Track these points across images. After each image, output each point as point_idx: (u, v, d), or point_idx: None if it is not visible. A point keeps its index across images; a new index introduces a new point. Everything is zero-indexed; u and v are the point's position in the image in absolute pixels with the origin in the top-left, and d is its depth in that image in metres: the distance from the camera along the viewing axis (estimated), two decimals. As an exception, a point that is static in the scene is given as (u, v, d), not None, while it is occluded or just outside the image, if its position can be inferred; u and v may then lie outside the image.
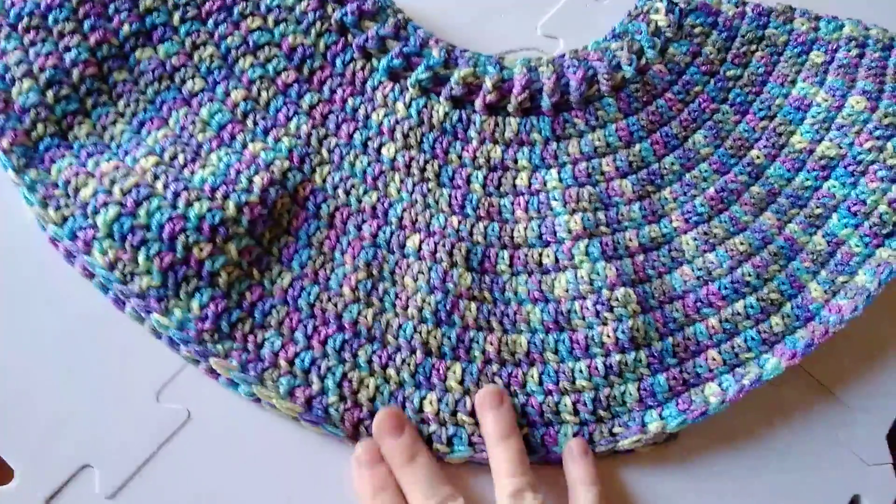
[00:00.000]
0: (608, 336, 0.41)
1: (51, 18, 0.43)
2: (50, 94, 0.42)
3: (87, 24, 0.43)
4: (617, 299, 0.41)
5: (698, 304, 0.42)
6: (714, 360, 0.41)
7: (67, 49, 0.43)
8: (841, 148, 0.44)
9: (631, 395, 0.40)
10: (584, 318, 0.41)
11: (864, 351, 0.45)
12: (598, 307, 0.41)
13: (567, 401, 0.40)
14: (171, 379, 0.41)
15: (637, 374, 0.41)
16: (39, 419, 0.40)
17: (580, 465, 0.39)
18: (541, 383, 0.40)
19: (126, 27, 0.44)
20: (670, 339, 0.41)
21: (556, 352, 0.41)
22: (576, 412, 0.40)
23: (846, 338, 0.44)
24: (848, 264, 0.42)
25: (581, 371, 0.40)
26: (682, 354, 0.41)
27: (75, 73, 0.43)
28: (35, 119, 0.41)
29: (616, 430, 0.40)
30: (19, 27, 0.43)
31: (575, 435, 0.40)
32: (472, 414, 0.40)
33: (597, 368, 0.40)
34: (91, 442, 0.40)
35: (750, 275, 0.42)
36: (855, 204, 0.43)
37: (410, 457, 0.38)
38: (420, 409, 0.40)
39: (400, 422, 0.39)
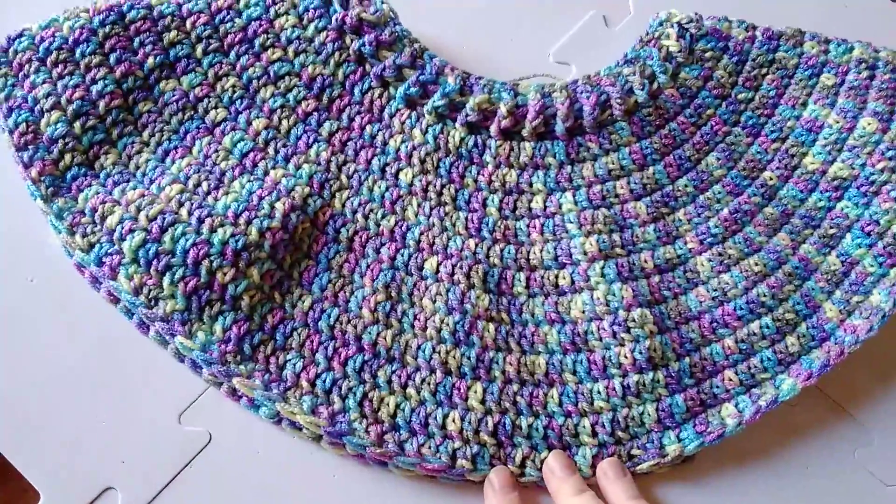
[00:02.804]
0: (625, 357, 0.41)
1: (78, 52, 0.45)
2: (77, 125, 0.43)
3: (113, 58, 0.45)
4: (633, 320, 0.41)
5: (714, 324, 0.42)
6: (730, 380, 0.41)
7: (94, 81, 0.44)
8: (853, 169, 0.45)
9: (649, 415, 0.40)
10: (600, 339, 0.42)
11: (881, 370, 0.45)
12: (615, 328, 0.41)
13: (586, 423, 0.40)
14: (194, 402, 0.42)
15: (655, 394, 0.41)
16: (64, 442, 0.41)
17: (621, 484, 0.39)
18: (561, 405, 0.41)
19: (151, 60, 0.46)
20: (687, 360, 0.42)
21: (574, 373, 0.41)
22: (594, 434, 0.40)
23: (862, 357, 0.44)
24: (862, 284, 0.42)
25: (599, 392, 0.41)
26: (699, 375, 0.41)
27: (102, 104, 0.44)
28: (63, 149, 0.43)
29: (634, 452, 0.40)
30: (48, 61, 0.44)
31: (594, 457, 0.40)
32: (494, 434, 0.40)
33: (614, 389, 0.41)
34: (114, 464, 0.40)
35: (765, 295, 0.42)
36: (868, 224, 0.43)
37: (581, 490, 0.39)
38: (443, 427, 0.40)
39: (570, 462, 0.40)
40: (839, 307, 0.42)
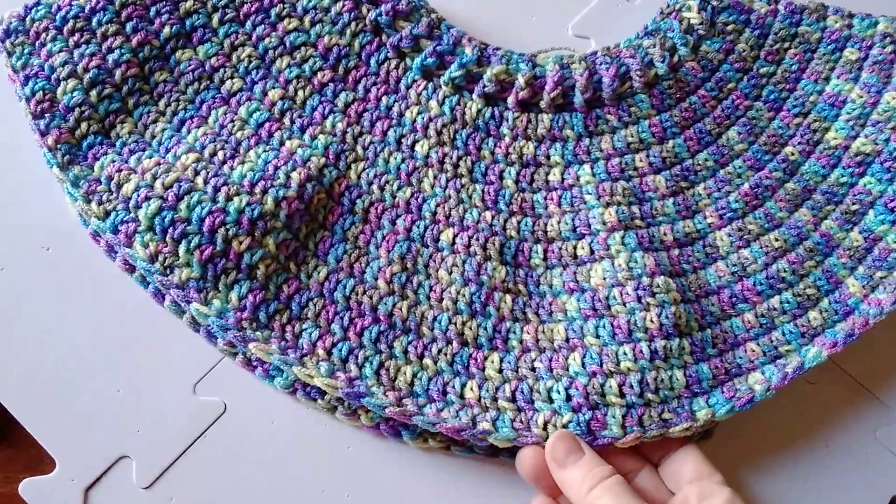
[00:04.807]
0: (652, 321, 0.40)
1: (95, 21, 0.44)
2: (93, 93, 0.43)
3: (129, 27, 0.45)
4: (658, 286, 0.40)
5: (733, 299, 0.42)
6: (753, 351, 0.41)
7: (110, 50, 0.44)
8: (877, 144, 0.44)
9: (678, 380, 0.39)
10: (624, 305, 0.40)
11: (904, 351, 0.45)
12: (640, 292, 0.40)
13: (612, 383, 0.39)
14: (209, 372, 0.42)
15: (682, 360, 0.40)
16: (80, 412, 0.41)
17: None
18: (584, 366, 0.39)
19: (167, 29, 0.45)
20: (709, 331, 0.41)
21: (597, 336, 0.40)
22: (622, 394, 0.39)
23: (884, 336, 0.44)
24: (886, 260, 0.41)
25: (625, 353, 0.39)
26: (721, 346, 0.41)
27: (118, 73, 0.44)
28: (79, 118, 0.43)
29: (666, 415, 0.39)
30: (65, 30, 0.44)
31: (624, 418, 0.38)
32: (513, 399, 0.39)
33: (641, 352, 0.39)
34: (129, 433, 0.41)
35: (785, 271, 0.42)
36: (892, 200, 0.42)
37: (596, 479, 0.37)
38: (462, 395, 0.39)
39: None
40: (862, 283, 0.41)
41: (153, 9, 0.45)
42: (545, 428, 0.38)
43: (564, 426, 0.38)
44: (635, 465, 0.39)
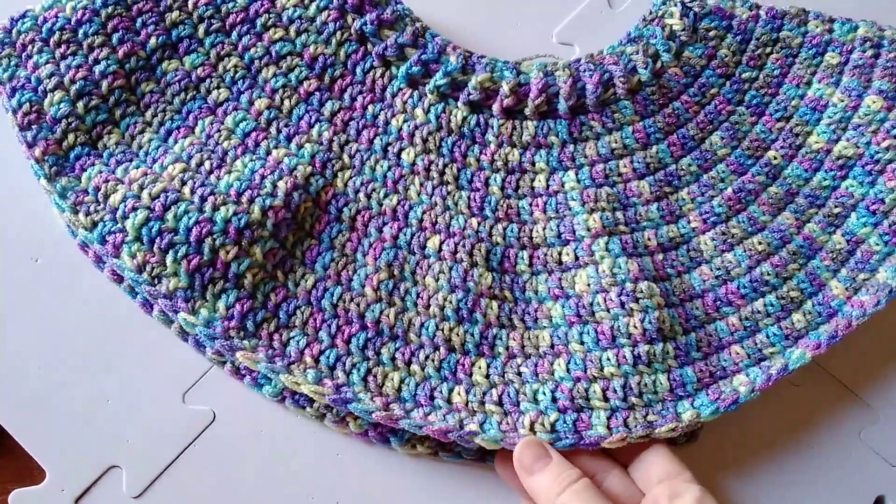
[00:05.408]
0: (635, 327, 0.40)
1: (81, 32, 0.45)
2: (80, 105, 0.43)
3: (115, 38, 0.45)
4: (641, 291, 0.41)
5: (718, 302, 0.42)
6: (738, 354, 0.41)
7: (97, 62, 0.44)
8: (858, 147, 0.44)
9: (661, 384, 0.40)
10: (608, 311, 0.41)
11: (887, 352, 0.45)
12: (623, 298, 0.41)
13: (596, 388, 0.39)
14: (198, 381, 0.42)
15: (665, 365, 0.40)
16: (69, 422, 0.41)
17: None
18: (568, 371, 0.40)
19: (153, 40, 0.46)
20: (693, 335, 0.41)
21: (581, 343, 0.41)
22: (606, 399, 0.39)
23: (867, 337, 0.44)
24: (868, 262, 0.42)
25: (609, 359, 0.40)
26: (705, 349, 0.41)
27: (104, 84, 0.44)
28: (66, 129, 0.43)
29: (651, 417, 0.39)
30: (51, 41, 0.44)
31: (609, 419, 0.39)
32: (500, 403, 0.40)
33: (624, 357, 0.40)
34: (119, 443, 0.41)
35: (769, 274, 0.42)
36: (874, 203, 0.43)
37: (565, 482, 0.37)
38: (449, 400, 0.40)
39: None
40: (845, 285, 0.42)
41: (139, 20, 0.46)
42: (532, 428, 0.39)
43: (552, 424, 0.39)
44: (605, 467, 0.39)
